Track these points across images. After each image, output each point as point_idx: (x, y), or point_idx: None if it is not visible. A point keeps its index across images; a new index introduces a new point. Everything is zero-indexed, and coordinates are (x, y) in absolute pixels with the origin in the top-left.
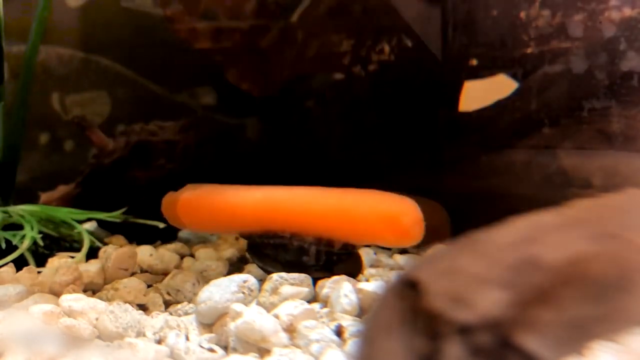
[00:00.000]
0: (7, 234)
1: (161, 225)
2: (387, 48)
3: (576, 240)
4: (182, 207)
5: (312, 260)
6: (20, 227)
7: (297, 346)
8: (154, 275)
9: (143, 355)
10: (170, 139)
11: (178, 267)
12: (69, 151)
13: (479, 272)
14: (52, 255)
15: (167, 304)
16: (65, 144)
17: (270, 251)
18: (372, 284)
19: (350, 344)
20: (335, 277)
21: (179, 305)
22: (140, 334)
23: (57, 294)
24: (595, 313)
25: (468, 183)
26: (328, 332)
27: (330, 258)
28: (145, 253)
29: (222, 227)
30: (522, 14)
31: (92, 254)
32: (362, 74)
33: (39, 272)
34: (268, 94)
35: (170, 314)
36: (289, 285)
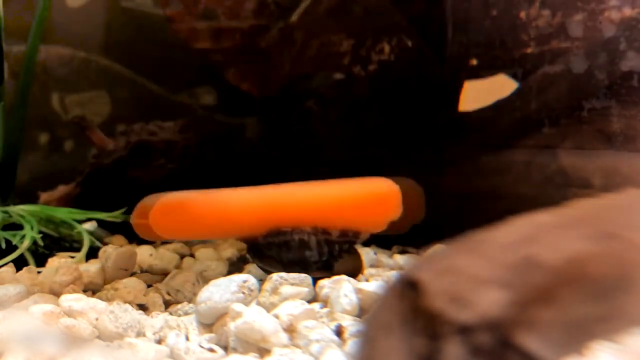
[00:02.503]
0: (7, 234)
1: None
2: (387, 48)
3: (576, 240)
4: (158, 213)
5: (315, 255)
6: (20, 227)
7: (297, 346)
8: (154, 275)
9: (143, 355)
10: (170, 139)
11: (178, 267)
12: (69, 151)
13: (479, 272)
14: (52, 255)
15: (167, 304)
16: (65, 144)
17: (273, 252)
18: (372, 284)
19: (350, 344)
20: (335, 277)
21: (179, 305)
22: (140, 334)
23: (57, 294)
24: (595, 313)
25: (468, 183)
26: (328, 332)
27: (332, 248)
28: (145, 253)
29: (212, 233)
30: (522, 14)
31: (92, 254)
32: (362, 74)
33: (39, 272)
34: (268, 94)
35: (170, 314)
36: (289, 285)
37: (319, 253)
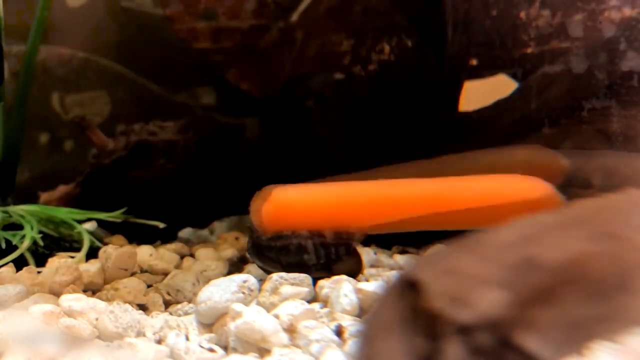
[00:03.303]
0: (7, 234)
1: (161, 225)
2: (387, 48)
3: (576, 240)
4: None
5: (313, 258)
6: (20, 227)
7: (297, 346)
8: (154, 275)
9: (143, 355)
10: (170, 139)
11: (178, 267)
12: (69, 151)
13: (479, 272)
14: (52, 255)
15: (167, 304)
16: (65, 144)
17: (273, 254)
18: (372, 284)
19: (350, 344)
20: (335, 277)
21: (179, 305)
22: (140, 334)
23: (57, 294)
24: (595, 313)
25: None
26: (328, 332)
27: (328, 252)
28: (145, 253)
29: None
30: (522, 14)
31: (92, 254)
32: (362, 74)
33: (38, 272)
34: (268, 94)
35: (170, 314)
36: (289, 285)
37: (317, 256)
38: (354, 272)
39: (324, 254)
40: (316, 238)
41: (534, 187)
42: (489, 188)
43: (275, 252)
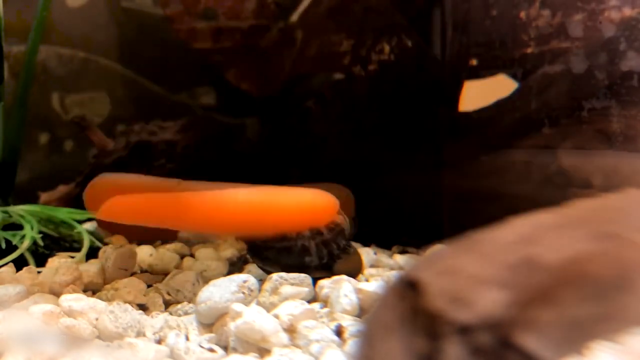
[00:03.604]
0: (7, 234)
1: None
2: (387, 48)
3: (576, 240)
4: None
5: (315, 260)
6: (20, 227)
7: (297, 346)
8: (154, 275)
9: (143, 355)
10: (170, 139)
11: (178, 267)
12: (69, 151)
13: (479, 272)
14: (52, 255)
15: (167, 304)
16: (65, 144)
17: (273, 254)
18: (372, 284)
19: (350, 344)
20: (335, 277)
21: (179, 305)
22: (140, 334)
23: (57, 294)
24: (595, 313)
25: (468, 183)
26: (328, 332)
27: (330, 249)
28: (145, 253)
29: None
30: (522, 14)
31: (92, 254)
32: (362, 74)
33: (39, 272)
34: (268, 94)
35: (170, 314)
36: (289, 285)
37: (319, 257)
38: (354, 272)
39: (327, 253)
40: (317, 237)
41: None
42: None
43: (275, 253)
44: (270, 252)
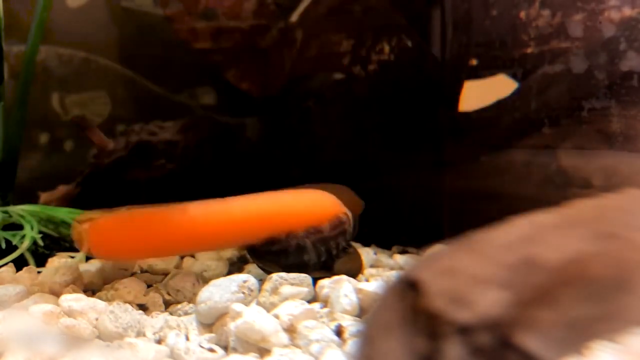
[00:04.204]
0: (7, 234)
1: None
2: (387, 48)
3: (576, 240)
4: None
5: (314, 258)
6: (20, 227)
7: (297, 346)
8: (154, 275)
9: (143, 355)
10: (170, 139)
11: (178, 267)
12: (69, 151)
13: (479, 272)
14: (52, 255)
15: (167, 304)
16: (65, 144)
17: (271, 257)
18: (372, 284)
19: (350, 344)
20: (335, 277)
21: (179, 305)
22: (140, 334)
23: (57, 294)
24: (595, 313)
25: (468, 183)
26: (328, 332)
27: (328, 246)
28: None
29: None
30: (522, 14)
31: None
32: (362, 74)
33: (39, 272)
34: (268, 94)
35: (170, 314)
36: (289, 285)
37: (317, 255)
38: (354, 272)
39: (325, 250)
40: (313, 235)
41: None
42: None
43: (274, 255)
44: (269, 256)
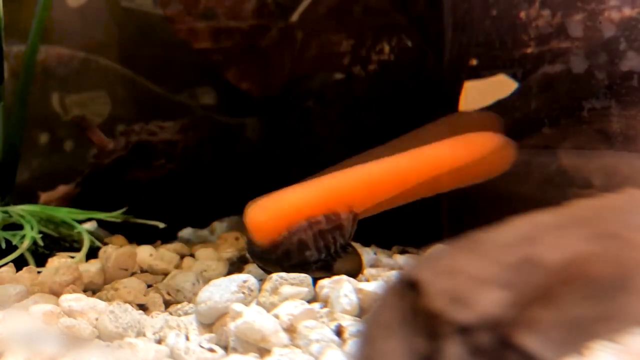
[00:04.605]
0: (7, 234)
1: (161, 225)
2: (387, 48)
3: (576, 240)
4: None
5: (315, 254)
6: (20, 227)
7: (297, 346)
8: (154, 275)
9: (143, 355)
10: (170, 139)
11: (178, 267)
12: (69, 151)
13: (479, 272)
14: (52, 255)
15: (167, 304)
16: (65, 144)
17: (275, 260)
18: (372, 284)
19: (350, 344)
20: (335, 277)
21: (179, 305)
22: (140, 334)
23: (57, 294)
24: (595, 313)
25: None
26: (328, 332)
27: (327, 242)
28: (145, 253)
29: None
30: (522, 14)
31: (92, 254)
32: (362, 74)
33: (38, 272)
34: (268, 94)
35: (170, 314)
36: (289, 285)
37: (317, 250)
38: (354, 272)
39: (324, 245)
40: (313, 227)
41: (490, 140)
42: (455, 149)
43: (276, 257)
44: (273, 260)
